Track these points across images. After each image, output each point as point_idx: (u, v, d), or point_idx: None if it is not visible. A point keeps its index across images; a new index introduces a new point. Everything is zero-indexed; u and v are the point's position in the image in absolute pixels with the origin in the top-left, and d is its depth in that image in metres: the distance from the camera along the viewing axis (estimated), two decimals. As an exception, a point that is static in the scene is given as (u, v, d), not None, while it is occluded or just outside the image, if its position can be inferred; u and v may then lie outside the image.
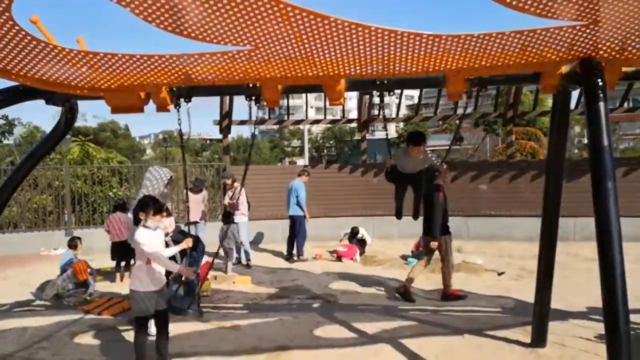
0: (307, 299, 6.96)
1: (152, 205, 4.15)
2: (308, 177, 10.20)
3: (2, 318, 6.13)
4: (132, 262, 8.30)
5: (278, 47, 3.02)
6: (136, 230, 4.20)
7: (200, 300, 6.22)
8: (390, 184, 6.08)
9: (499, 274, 8.21)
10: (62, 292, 7.01)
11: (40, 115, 71.57)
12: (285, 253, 10.06)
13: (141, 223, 4.17)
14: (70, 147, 21.15)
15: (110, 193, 12.85)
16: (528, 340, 4.86)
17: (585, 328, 5.21)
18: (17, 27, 2.71)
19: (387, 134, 6.04)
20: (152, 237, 4.13)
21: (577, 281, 7.27)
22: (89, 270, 7.37)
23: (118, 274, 8.27)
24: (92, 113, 67.35)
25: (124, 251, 8.23)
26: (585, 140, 29.31)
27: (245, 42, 2.93)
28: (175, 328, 5.54)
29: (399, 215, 6.12)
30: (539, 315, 4.75)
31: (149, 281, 4.09)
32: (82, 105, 4.72)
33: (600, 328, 3.01)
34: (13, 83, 3.71)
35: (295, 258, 9.89)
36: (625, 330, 2.77)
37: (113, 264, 8.52)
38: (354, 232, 10.48)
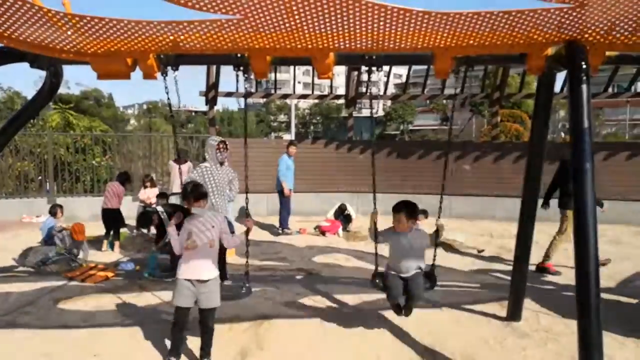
0: (290, 271, 7.07)
1: (190, 194, 3.94)
2: (291, 147, 10.17)
3: (-16, 283, 6.11)
4: (120, 230, 8.44)
5: (268, 18, 3.00)
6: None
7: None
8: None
9: (479, 252, 8.41)
10: (61, 250, 7.14)
11: (20, 81, 69.98)
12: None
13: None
14: (49, 114, 20.73)
15: (94, 162, 12.74)
16: (504, 314, 5.03)
17: (559, 303, 5.39)
18: (1, -14, 2.65)
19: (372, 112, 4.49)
20: (196, 224, 3.94)
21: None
22: None
23: (105, 242, 8.29)
24: (75, 80, 65.70)
25: (112, 219, 8.32)
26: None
27: (235, 10, 2.90)
28: (156, 296, 5.61)
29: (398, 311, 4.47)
30: (515, 291, 4.92)
31: (185, 268, 3.89)
32: (65, 72, 4.63)
33: (573, 304, 3.14)
34: (-4, 44, 3.63)
35: (280, 231, 9.97)
36: (596, 303, 2.90)
37: (97, 232, 8.57)
38: (341, 209, 10.58)
